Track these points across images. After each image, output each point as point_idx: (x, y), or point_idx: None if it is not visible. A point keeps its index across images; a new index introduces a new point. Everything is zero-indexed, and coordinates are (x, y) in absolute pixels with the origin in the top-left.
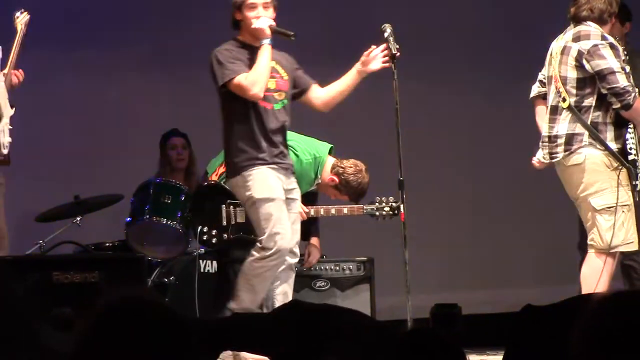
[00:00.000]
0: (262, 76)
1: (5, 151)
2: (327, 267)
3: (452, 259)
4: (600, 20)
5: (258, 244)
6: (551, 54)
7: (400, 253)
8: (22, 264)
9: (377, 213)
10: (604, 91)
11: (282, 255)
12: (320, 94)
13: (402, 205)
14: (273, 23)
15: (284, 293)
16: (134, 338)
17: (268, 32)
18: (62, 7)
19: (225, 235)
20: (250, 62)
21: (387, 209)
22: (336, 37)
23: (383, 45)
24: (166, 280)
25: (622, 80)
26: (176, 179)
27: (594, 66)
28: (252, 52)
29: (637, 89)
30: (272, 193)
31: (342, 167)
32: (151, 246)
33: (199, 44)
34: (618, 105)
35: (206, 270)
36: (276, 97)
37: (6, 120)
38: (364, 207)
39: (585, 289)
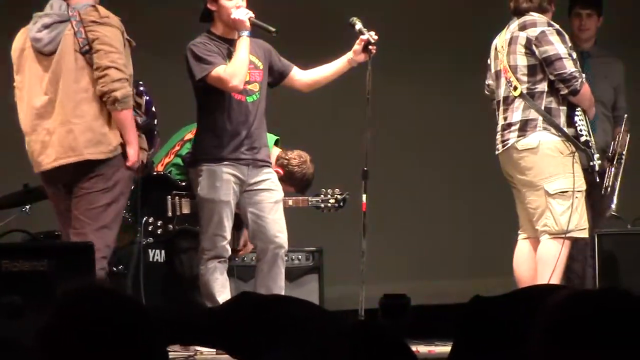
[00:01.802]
0: (241, 68)
1: None
2: None
3: (402, 250)
4: (540, 9)
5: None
6: (496, 49)
7: (348, 243)
8: None
9: (322, 205)
10: (551, 77)
11: (221, 259)
12: (303, 77)
13: (364, 196)
14: (252, 15)
15: (265, 286)
16: (95, 326)
17: (248, 24)
18: None
19: (171, 226)
20: (227, 55)
21: (332, 201)
22: (304, 28)
23: (365, 37)
24: (115, 269)
25: (569, 66)
26: None
27: (542, 52)
28: (228, 44)
29: (584, 75)
30: (215, 194)
31: (286, 159)
32: None
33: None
34: (565, 91)
35: (155, 260)
36: (250, 89)
37: None
38: (309, 199)
39: (541, 274)
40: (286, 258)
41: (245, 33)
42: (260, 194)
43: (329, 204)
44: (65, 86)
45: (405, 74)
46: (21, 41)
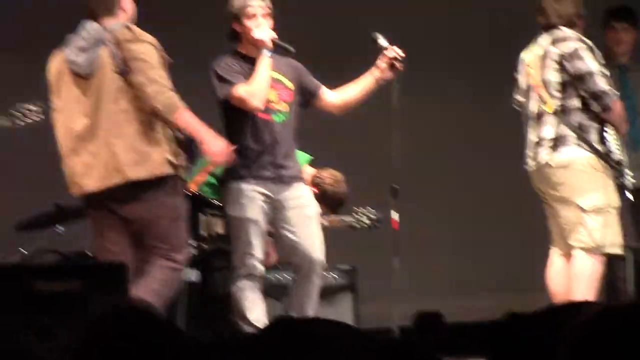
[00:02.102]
0: (261, 88)
1: None
2: None
3: (435, 267)
4: (570, 24)
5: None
6: (526, 64)
7: (381, 261)
8: (3, 273)
9: (357, 225)
10: (583, 94)
11: (251, 276)
12: (332, 98)
13: (394, 213)
14: (274, 35)
15: (298, 302)
16: (126, 346)
17: (269, 43)
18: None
19: (205, 245)
20: (251, 74)
21: (366, 220)
22: (325, 46)
23: (391, 54)
24: None
25: (601, 83)
26: None
27: (574, 69)
28: (253, 63)
29: (617, 93)
30: (241, 212)
31: (319, 178)
32: None
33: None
34: (598, 108)
35: (189, 279)
36: (277, 108)
37: None
38: (343, 218)
39: (576, 290)
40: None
41: (267, 52)
42: (291, 210)
43: (364, 224)
44: (106, 108)
45: (434, 90)
46: (57, 64)
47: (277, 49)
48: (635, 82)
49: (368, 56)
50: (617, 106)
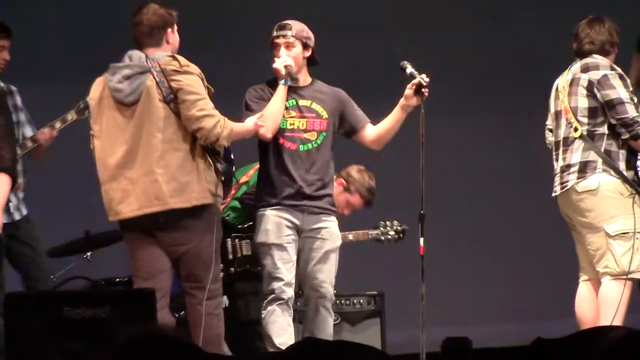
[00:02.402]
0: (271, 117)
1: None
2: (338, 301)
3: (463, 293)
4: (603, 52)
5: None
6: (557, 89)
7: (409, 287)
8: (34, 299)
9: (383, 238)
10: (612, 121)
11: (280, 301)
12: (370, 132)
13: (421, 239)
14: (291, 63)
15: (310, 333)
16: None
17: (283, 72)
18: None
19: (232, 268)
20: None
21: (392, 233)
22: (357, 73)
23: (416, 81)
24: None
25: (631, 111)
26: None
27: (604, 96)
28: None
29: None
30: (266, 238)
31: (345, 171)
32: None
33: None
34: (627, 136)
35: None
36: (305, 137)
37: None
38: (369, 232)
39: (604, 316)
40: (347, 302)
41: (283, 81)
42: (312, 242)
43: (389, 236)
44: (149, 136)
45: (461, 116)
46: (99, 91)
47: (362, 77)
48: None
49: (395, 87)
50: None
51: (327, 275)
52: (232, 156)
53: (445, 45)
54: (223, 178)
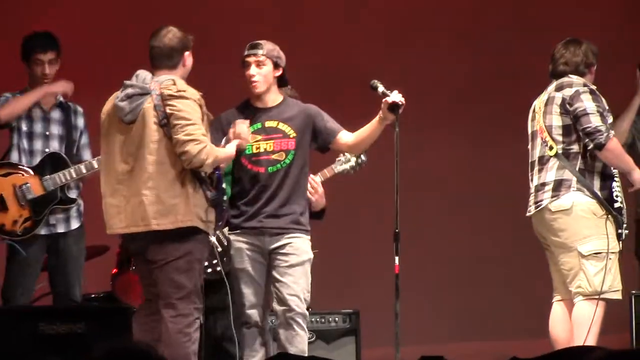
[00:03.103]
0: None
1: None
2: (313, 319)
3: (438, 311)
4: (577, 72)
5: None
6: (534, 110)
7: (384, 305)
8: (9, 315)
9: (348, 165)
10: (580, 133)
11: (247, 324)
12: (348, 139)
13: (396, 258)
14: (255, 81)
15: (282, 348)
16: None
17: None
18: None
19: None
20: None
21: (353, 159)
22: (327, 86)
23: (390, 99)
24: None
25: (595, 121)
26: None
27: (573, 110)
28: (255, 111)
29: (612, 131)
30: (232, 263)
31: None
32: (137, 297)
33: None
34: (591, 145)
35: None
36: (274, 158)
37: None
38: (332, 167)
39: (577, 336)
40: (323, 320)
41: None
42: (277, 259)
43: (353, 163)
44: (142, 157)
45: (436, 133)
46: (109, 106)
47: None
48: None
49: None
50: (612, 145)
51: (294, 289)
52: (223, 185)
53: (422, 61)
54: (215, 207)
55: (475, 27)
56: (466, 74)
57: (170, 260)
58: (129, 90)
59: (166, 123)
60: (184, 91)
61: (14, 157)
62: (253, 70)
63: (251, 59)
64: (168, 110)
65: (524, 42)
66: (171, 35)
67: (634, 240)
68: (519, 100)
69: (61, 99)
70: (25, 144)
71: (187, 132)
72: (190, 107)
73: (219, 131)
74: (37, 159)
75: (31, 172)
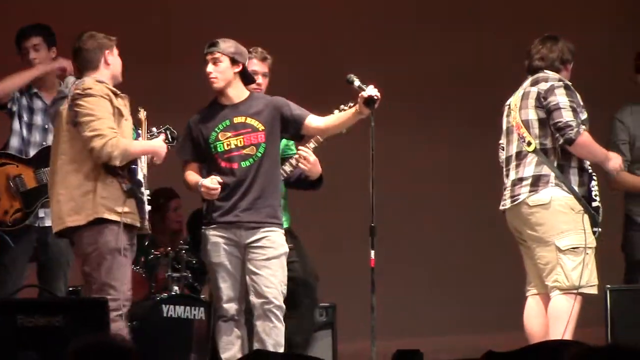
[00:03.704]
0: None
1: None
2: None
3: (414, 305)
4: (552, 68)
5: None
6: (509, 107)
7: (360, 299)
8: None
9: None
10: (552, 128)
11: (223, 317)
12: (318, 123)
13: (372, 252)
14: (214, 77)
15: (260, 341)
16: None
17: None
18: None
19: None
20: (216, 117)
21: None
22: (307, 84)
23: (366, 94)
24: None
25: (566, 116)
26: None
27: (546, 104)
28: (218, 108)
29: (583, 126)
30: (208, 257)
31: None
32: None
33: None
34: (561, 140)
35: (169, 315)
36: (245, 153)
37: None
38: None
39: (553, 330)
40: None
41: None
42: (252, 252)
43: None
44: (56, 158)
45: (413, 130)
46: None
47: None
48: None
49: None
50: (582, 140)
51: (271, 281)
52: (138, 177)
53: (400, 59)
54: (133, 198)
55: (456, 22)
56: (444, 70)
57: (87, 253)
58: (55, 96)
59: (77, 122)
60: (90, 89)
61: (14, 143)
62: (210, 67)
63: (208, 57)
64: (76, 109)
65: (502, 39)
66: (86, 38)
67: (622, 235)
68: (498, 96)
69: (65, 90)
70: (25, 133)
71: (92, 128)
72: (95, 104)
73: (187, 137)
74: (33, 151)
75: (26, 164)
